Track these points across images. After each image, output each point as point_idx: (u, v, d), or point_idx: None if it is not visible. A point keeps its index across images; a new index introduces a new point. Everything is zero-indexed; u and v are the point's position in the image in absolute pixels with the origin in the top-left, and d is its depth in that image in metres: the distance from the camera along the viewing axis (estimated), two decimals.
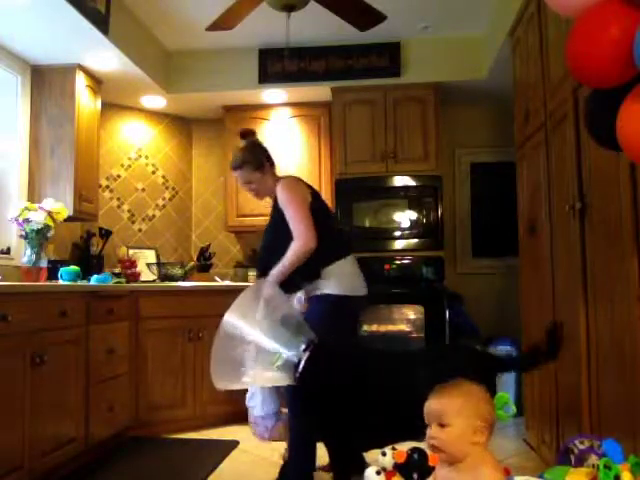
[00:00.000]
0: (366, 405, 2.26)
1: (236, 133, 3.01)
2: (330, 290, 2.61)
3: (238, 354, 2.41)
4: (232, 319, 2.47)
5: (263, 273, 2.68)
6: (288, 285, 2.62)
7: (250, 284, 4.36)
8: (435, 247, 4.28)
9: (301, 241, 2.55)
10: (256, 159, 2.79)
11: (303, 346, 2.39)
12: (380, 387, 2.28)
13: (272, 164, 2.86)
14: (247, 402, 2.87)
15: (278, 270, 2.57)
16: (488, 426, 1.42)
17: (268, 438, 2.83)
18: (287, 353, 2.37)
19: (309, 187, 2.78)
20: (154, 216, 4.93)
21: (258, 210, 4.67)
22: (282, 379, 2.41)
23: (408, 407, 2.16)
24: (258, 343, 2.38)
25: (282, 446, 3.24)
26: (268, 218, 2.84)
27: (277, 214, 2.70)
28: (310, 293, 2.70)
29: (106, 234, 4.41)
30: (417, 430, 2.14)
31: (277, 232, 2.69)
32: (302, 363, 2.34)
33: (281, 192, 2.68)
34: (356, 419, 2.27)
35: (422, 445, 1.84)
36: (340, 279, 2.63)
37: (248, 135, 2.92)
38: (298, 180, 2.81)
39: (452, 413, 1.41)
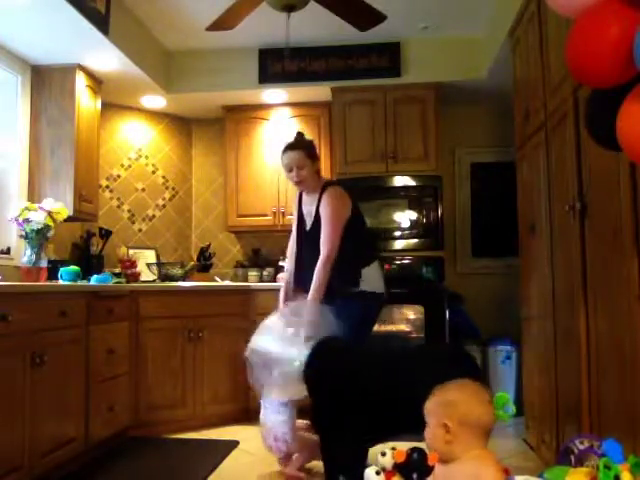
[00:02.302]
0: (365, 401, 2.28)
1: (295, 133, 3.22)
2: (364, 287, 2.89)
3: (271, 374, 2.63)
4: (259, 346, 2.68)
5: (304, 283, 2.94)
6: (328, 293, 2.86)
7: (250, 284, 4.38)
8: (435, 247, 4.28)
9: (326, 254, 2.82)
10: (312, 148, 3.05)
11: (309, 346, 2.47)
12: (376, 385, 2.31)
13: (319, 162, 3.11)
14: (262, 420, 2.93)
15: (315, 290, 2.81)
16: (462, 426, 1.41)
17: (286, 451, 2.88)
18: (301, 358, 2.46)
19: (350, 198, 2.98)
20: (154, 216, 4.93)
21: (258, 210, 4.68)
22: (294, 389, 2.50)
23: (398, 405, 2.19)
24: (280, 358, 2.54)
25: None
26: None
27: (318, 218, 2.93)
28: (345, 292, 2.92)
29: (106, 234, 4.41)
30: (413, 428, 2.15)
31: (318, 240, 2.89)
32: (306, 358, 2.41)
33: (328, 202, 2.90)
34: (355, 414, 2.29)
35: (422, 445, 1.85)
36: (370, 279, 2.91)
37: (301, 134, 3.17)
38: (344, 192, 2.98)
39: (428, 412, 1.48)
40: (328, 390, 2.40)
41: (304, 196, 3.12)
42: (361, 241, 2.99)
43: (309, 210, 3.06)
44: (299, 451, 2.86)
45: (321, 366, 2.46)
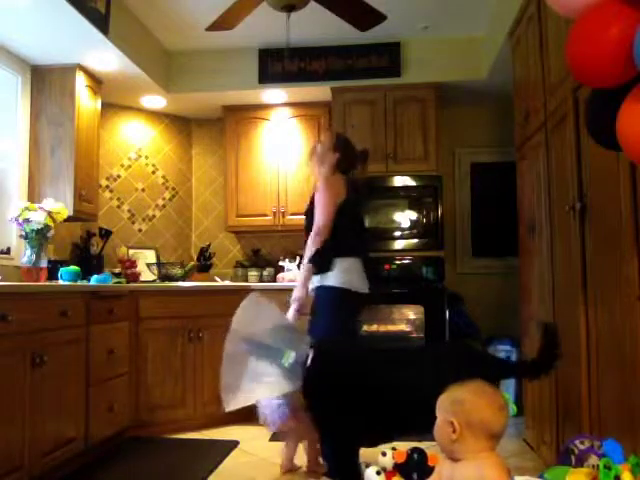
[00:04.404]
0: (367, 403, 2.27)
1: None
2: (332, 282, 2.88)
3: (240, 372, 2.51)
4: (234, 340, 2.55)
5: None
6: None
7: (250, 284, 4.37)
8: (435, 247, 4.28)
9: (315, 229, 2.90)
10: (337, 140, 3.17)
11: (307, 346, 2.42)
12: (380, 385, 2.29)
13: (342, 161, 3.09)
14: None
15: (305, 270, 2.92)
16: (468, 427, 1.41)
17: (276, 430, 2.90)
18: (294, 352, 2.39)
19: (349, 188, 3.04)
20: (154, 216, 4.93)
21: (258, 210, 4.68)
22: (282, 385, 2.41)
23: (406, 405, 2.18)
24: (259, 351, 2.43)
25: (279, 445, 3.25)
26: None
27: (311, 205, 3.04)
28: (317, 284, 2.96)
29: (106, 234, 4.41)
30: (417, 428, 2.14)
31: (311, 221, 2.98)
32: (309, 361, 2.36)
33: (320, 187, 3.01)
34: (358, 416, 2.28)
35: (422, 445, 1.85)
36: (342, 274, 2.89)
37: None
38: (340, 179, 3.06)
39: (438, 407, 1.48)
40: (333, 392, 2.35)
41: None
42: (345, 230, 2.97)
43: None
44: (294, 429, 2.87)
45: (327, 368, 2.39)
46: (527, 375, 2.40)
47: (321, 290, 2.93)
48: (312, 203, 3.02)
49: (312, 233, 2.91)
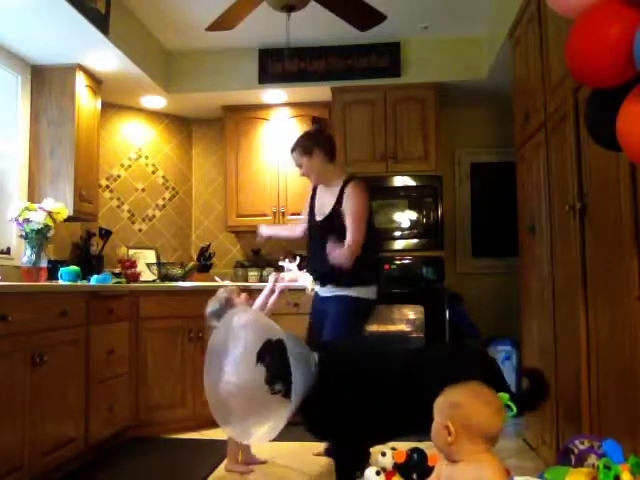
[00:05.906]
0: (372, 403, 2.26)
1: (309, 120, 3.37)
2: (355, 294, 2.87)
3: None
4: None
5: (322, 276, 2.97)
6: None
7: (250, 284, 4.37)
8: (435, 247, 4.28)
9: (351, 250, 2.76)
10: (306, 145, 3.01)
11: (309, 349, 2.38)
12: (384, 386, 2.28)
13: (328, 153, 3.02)
14: None
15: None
16: (465, 430, 1.41)
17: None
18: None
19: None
20: (154, 216, 4.93)
21: (258, 210, 4.68)
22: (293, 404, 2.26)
23: (409, 406, 2.17)
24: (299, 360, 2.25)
25: (279, 446, 3.24)
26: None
27: (335, 211, 2.89)
28: (332, 293, 2.94)
29: (106, 234, 4.41)
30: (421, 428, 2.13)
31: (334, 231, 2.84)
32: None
33: (353, 195, 2.86)
34: (363, 416, 2.26)
35: (422, 445, 1.85)
36: (365, 286, 2.89)
37: (316, 122, 3.20)
38: (367, 188, 2.95)
39: (435, 410, 1.48)
40: (343, 394, 2.28)
41: (320, 189, 3.12)
42: (376, 241, 3.02)
43: (323, 202, 3.04)
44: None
45: (337, 370, 2.32)
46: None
47: (343, 300, 2.88)
48: (339, 204, 2.88)
49: (348, 248, 2.75)
